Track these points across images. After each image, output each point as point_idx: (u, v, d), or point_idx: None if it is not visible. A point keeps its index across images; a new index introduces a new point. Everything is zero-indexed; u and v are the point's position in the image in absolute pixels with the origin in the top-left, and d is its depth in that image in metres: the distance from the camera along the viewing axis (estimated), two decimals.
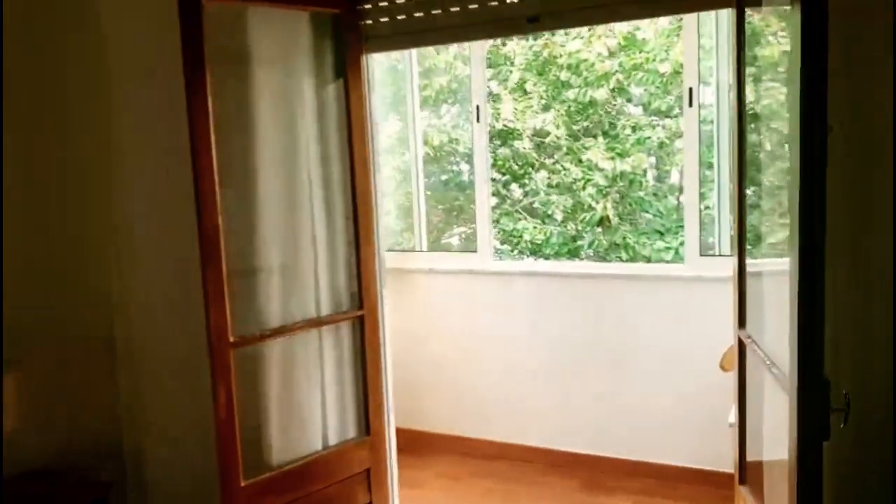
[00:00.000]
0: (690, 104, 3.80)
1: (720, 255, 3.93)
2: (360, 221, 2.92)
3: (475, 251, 4.28)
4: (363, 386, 2.92)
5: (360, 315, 2.87)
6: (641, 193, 6.12)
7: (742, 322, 2.41)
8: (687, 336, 3.83)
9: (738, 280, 2.44)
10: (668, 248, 5.87)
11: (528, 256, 6.75)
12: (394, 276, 4.50)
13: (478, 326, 4.29)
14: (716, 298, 3.81)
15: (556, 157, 6.83)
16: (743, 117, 2.34)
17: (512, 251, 6.60)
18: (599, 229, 6.19)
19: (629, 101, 6.81)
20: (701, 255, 3.82)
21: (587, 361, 4.06)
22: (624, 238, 6.00)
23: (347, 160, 2.92)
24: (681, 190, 6.78)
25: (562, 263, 4.32)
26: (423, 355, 4.43)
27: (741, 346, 2.40)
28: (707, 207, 4.56)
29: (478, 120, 4.21)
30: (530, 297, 4.15)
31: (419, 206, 4.55)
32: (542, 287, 4.14)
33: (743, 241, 2.40)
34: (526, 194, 7.00)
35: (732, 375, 3.11)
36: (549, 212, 6.58)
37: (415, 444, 4.43)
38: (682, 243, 5.99)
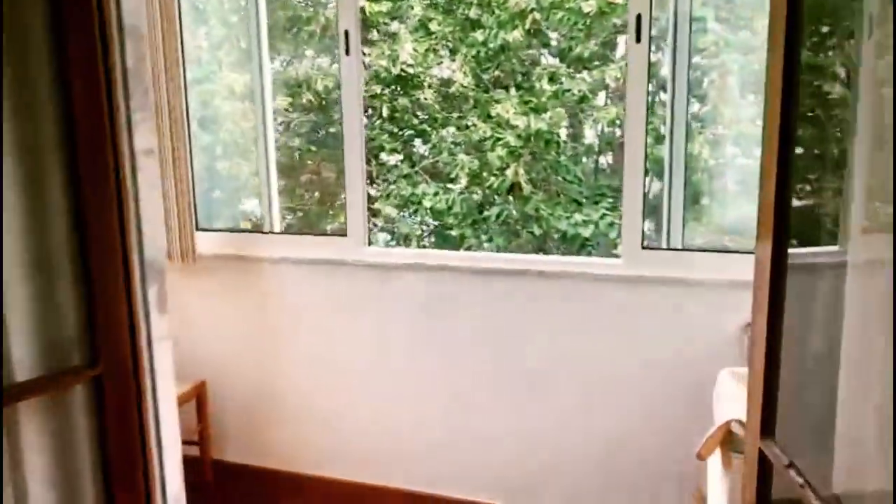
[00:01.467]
0: (638, 39, 2.62)
1: (669, 249, 2.81)
2: (94, 213, 1.59)
3: (345, 234, 3.04)
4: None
5: (95, 375, 1.58)
6: (562, 158, 4.98)
7: (768, 427, 1.24)
8: (623, 356, 2.74)
9: (761, 325, 1.29)
10: (588, 222, 4.78)
11: (423, 232, 5.54)
12: (234, 267, 3.20)
13: (344, 337, 3.07)
14: (663, 307, 2.71)
15: (462, 110, 5.60)
16: None
17: (395, 239, 5.37)
18: (510, 197, 5.05)
19: (546, 46, 5.61)
20: (643, 247, 2.71)
21: (489, 386, 2.92)
22: (537, 209, 4.87)
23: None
24: (599, 152, 5.69)
25: (458, 255, 3.09)
26: (270, 374, 3.19)
27: (762, 465, 1.25)
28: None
29: (347, 52, 2.93)
30: (415, 299, 2.96)
31: (268, 174, 3.24)
32: (432, 285, 2.95)
33: (782, 240, 1.22)
34: (426, 154, 5.76)
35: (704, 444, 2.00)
36: (454, 175, 5.38)
37: (258, 486, 3.22)
38: (602, 217, 4.91)
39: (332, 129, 5.71)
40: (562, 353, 2.83)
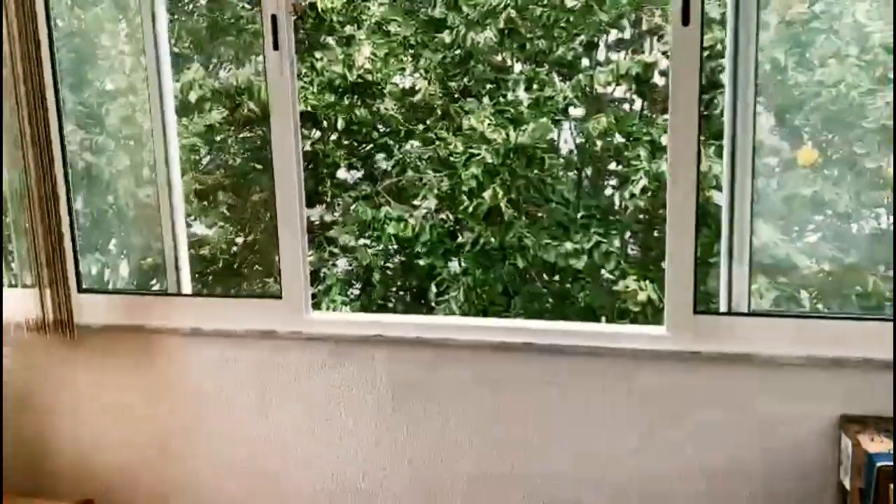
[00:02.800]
0: (686, 20, 1.79)
1: (731, 314, 1.97)
2: None
3: (279, 296, 2.15)
4: None
5: None
6: (547, 177, 4.11)
7: None
8: (668, 465, 1.91)
9: None
10: (579, 253, 3.93)
11: (385, 262, 4.64)
12: (129, 342, 2.28)
13: (277, 439, 2.18)
14: (724, 395, 1.87)
15: (428, 122, 4.73)
16: None
17: (353, 271, 4.45)
18: (485, 222, 4.19)
19: (522, 48, 4.78)
20: (696, 311, 1.88)
21: None
22: (520, 238, 4.02)
23: None
24: (581, 167, 4.87)
25: (435, 322, 2.20)
26: (177, 488, 2.28)
27: None
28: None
29: (275, 46, 2.05)
30: (376, 385, 2.09)
31: (171, 214, 2.32)
32: (399, 365, 2.08)
33: None
34: (389, 170, 4.87)
35: None
36: (422, 195, 4.50)
37: None
38: (596, 245, 4.07)
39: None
40: (581, 459, 1.97)
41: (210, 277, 4.68)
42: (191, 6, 4.76)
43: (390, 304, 4.54)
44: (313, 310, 2.17)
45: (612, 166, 4.83)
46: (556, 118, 4.35)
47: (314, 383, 2.13)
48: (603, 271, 4.16)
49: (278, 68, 2.05)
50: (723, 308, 2.03)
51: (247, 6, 4.64)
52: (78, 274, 2.28)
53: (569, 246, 3.86)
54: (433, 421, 2.07)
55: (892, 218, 2.04)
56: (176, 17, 4.47)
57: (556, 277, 4.11)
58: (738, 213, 1.99)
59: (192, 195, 4.12)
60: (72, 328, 2.21)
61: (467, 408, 2.05)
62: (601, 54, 4.80)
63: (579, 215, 4.24)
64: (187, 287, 2.34)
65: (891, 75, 2.20)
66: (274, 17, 2.03)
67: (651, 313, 3.80)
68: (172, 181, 2.27)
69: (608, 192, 4.89)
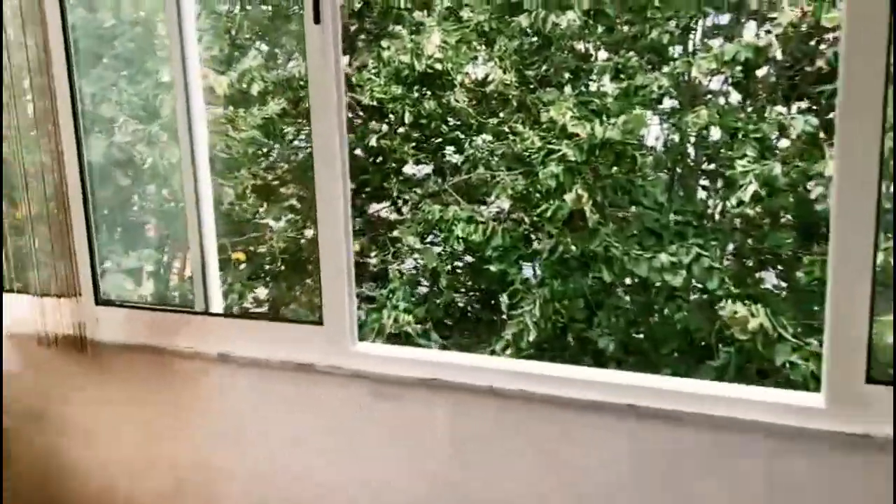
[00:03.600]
0: None
1: None
2: None
3: (320, 322, 1.74)
4: None
5: None
6: (638, 178, 3.57)
7: None
8: None
9: None
10: (676, 266, 3.38)
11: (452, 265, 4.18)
12: (147, 364, 1.92)
13: (308, 489, 1.78)
14: None
15: (502, 114, 4.26)
16: None
17: (417, 274, 3.98)
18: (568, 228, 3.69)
19: (610, 31, 4.24)
20: (869, 380, 1.34)
21: None
22: (605, 246, 3.50)
23: None
24: (674, 166, 4.28)
25: (505, 365, 1.70)
26: None
27: None
28: None
29: (316, 20, 1.63)
30: (433, 438, 1.65)
31: (199, 224, 1.92)
32: (463, 418, 1.64)
33: None
34: (459, 165, 4.43)
35: None
36: (494, 195, 4.04)
37: None
38: (696, 259, 3.50)
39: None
40: None
41: (269, 278, 4.36)
42: None
43: (456, 314, 4.10)
44: (357, 338, 1.74)
45: (708, 166, 4.25)
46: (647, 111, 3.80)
47: (354, 427, 1.72)
48: (696, 283, 3.58)
49: (319, 46, 1.62)
50: None
51: None
52: (96, 284, 1.92)
53: (664, 258, 3.31)
54: (494, 490, 1.61)
55: None
56: (237, 6, 4.15)
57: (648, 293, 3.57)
58: None
59: (249, 190, 3.78)
60: (85, 344, 1.87)
61: (542, 478, 1.58)
62: (693, 40, 4.22)
63: (672, 220, 3.70)
64: (217, 304, 1.96)
65: None
66: None
67: (762, 344, 3.23)
68: (199, 182, 1.88)
69: (703, 195, 4.32)
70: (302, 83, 4.20)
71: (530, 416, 1.59)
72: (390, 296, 3.69)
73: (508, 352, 3.36)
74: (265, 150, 3.89)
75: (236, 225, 3.84)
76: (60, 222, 1.84)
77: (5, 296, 2.03)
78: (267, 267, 4.18)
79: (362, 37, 4.48)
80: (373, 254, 3.98)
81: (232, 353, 1.80)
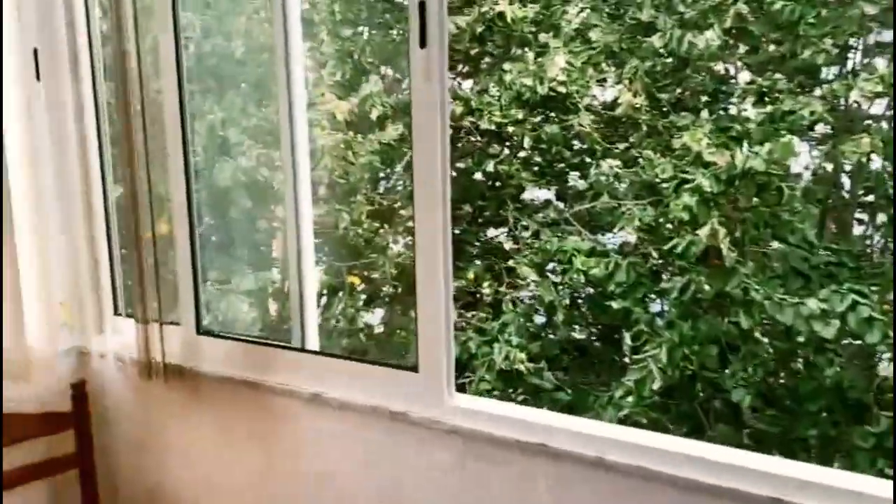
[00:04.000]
0: None
1: None
2: None
3: (415, 369, 1.58)
4: None
5: None
6: (784, 212, 3.17)
7: None
8: None
9: None
10: (828, 314, 2.94)
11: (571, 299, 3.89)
12: (246, 399, 1.84)
13: None
14: None
15: (631, 139, 3.99)
16: None
17: (533, 307, 3.71)
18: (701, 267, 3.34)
19: (754, 51, 3.86)
20: None
21: None
22: (744, 287, 3.12)
23: None
24: (828, 199, 3.80)
25: (621, 434, 1.44)
26: None
27: None
28: None
29: (422, 44, 1.48)
30: None
31: (299, 254, 1.81)
32: (562, 492, 1.42)
33: None
34: (580, 195, 4.18)
35: None
36: (619, 226, 3.76)
37: None
38: (852, 307, 3.03)
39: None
40: None
41: (385, 301, 4.29)
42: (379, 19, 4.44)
43: (573, 351, 3.83)
44: (454, 388, 1.56)
45: (868, 199, 3.76)
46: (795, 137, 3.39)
47: (445, 487, 1.53)
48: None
49: (424, 71, 1.47)
50: None
51: None
52: (198, 312, 1.87)
53: (812, 305, 2.89)
54: None
55: None
56: (362, 30, 4.15)
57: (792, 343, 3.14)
58: None
59: (364, 215, 3.73)
60: (182, 374, 1.82)
61: None
62: (853, 60, 3.78)
63: (823, 261, 3.25)
64: (313, 340, 1.84)
65: None
66: (422, 5, 1.46)
67: None
68: (301, 210, 1.79)
69: (860, 232, 3.81)
70: None
71: (648, 498, 1.34)
72: (503, 329, 3.49)
73: (630, 399, 3.06)
74: (383, 174, 3.84)
75: (352, 249, 3.80)
76: (163, 250, 1.79)
77: (115, 319, 2.03)
78: (382, 291, 4.11)
79: (486, 60, 4.35)
80: (486, 283, 3.79)
81: (324, 394, 1.68)
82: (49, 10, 1.83)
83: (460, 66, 4.37)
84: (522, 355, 3.35)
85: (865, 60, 3.66)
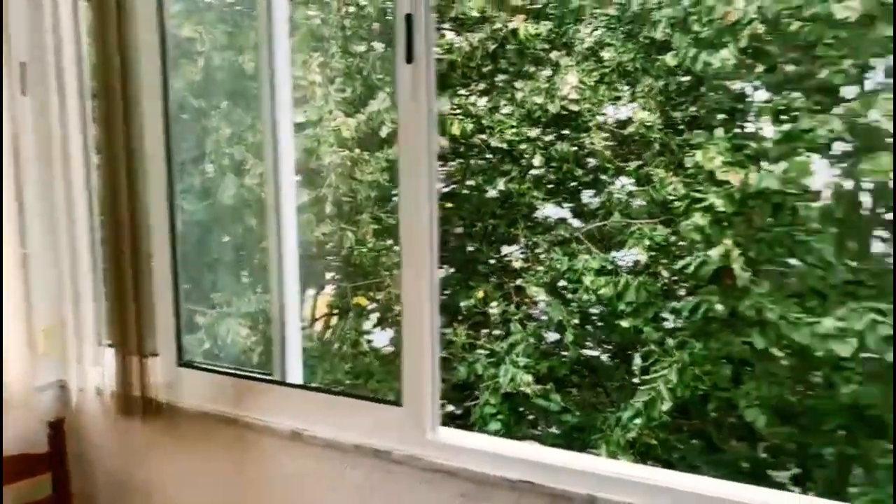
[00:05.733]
0: None
1: None
2: None
3: (398, 403, 1.45)
4: None
5: None
6: (800, 232, 2.99)
7: None
8: None
9: None
10: (845, 332, 2.76)
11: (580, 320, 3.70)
12: (219, 432, 1.71)
13: None
14: None
15: (643, 157, 3.84)
16: None
17: (541, 327, 3.53)
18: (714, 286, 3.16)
19: (771, 70, 3.69)
20: None
21: None
22: (758, 308, 2.94)
23: None
24: (849, 219, 3.60)
25: (616, 468, 1.29)
26: None
27: None
28: None
29: (409, 59, 1.36)
30: None
31: (280, 280, 1.69)
32: None
33: None
34: (593, 214, 4.03)
35: None
36: (629, 246, 3.60)
37: None
38: (871, 326, 2.85)
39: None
40: None
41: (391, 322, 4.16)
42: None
43: (583, 371, 3.67)
44: (438, 423, 1.43)
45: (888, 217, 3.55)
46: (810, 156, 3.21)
47: None
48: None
49: (410, 87, 1.36)
50: None
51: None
52: (179, 342, 1.76)
53: (828, 324, 2.71)
54: None
55: None
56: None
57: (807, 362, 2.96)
58: None
59: (370, 234, 3.61)
60: (160, 407, 1.70)
61: None
62: (871, 79, 3.58)
63: (841, 279, 3.06)
64: (296, 373, 1.72)
65: None
66: (409, 18, 1.35)
67: None
68: (283, 231, 1.67)
69: (880, 250, 3.60)
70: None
71: None
72: (511, 349, 3.34)
73: (638, 421, 2.90)
74: (389, 193, 3.73)
75: (359, 269, 3.68)
76: (141, 279, 1.67)
77: (98, 349, 1.88)
78: (390, 312, 3.98)
79: (500, 77, 4.23)
80: (494, 302, 3.65)
81: (305, 432, 1.55)
82: (38, 24, 1.74)
83: (473, 84, 4.26)
84: (528, 377, 3.19)
85: (887, 80, 3.47)
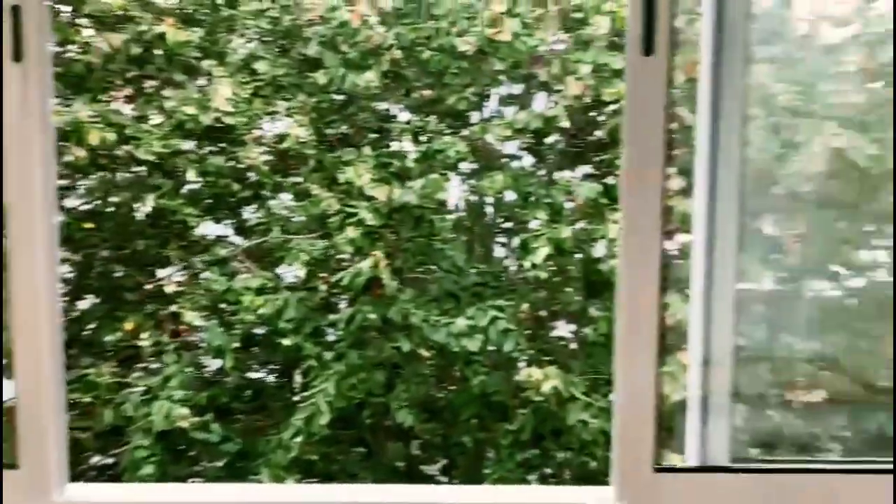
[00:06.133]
0: (648, 50, 1.11)
1: (704, 470, 1.23)
2: None
3: (14, 465, 1.23)
4: None
5: None
6: (437, 242, 3.35)
7: None
8: None
9: None
10: (474, 329, 3.17)
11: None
12: None
13: None
14: None
15: (301, 173, 3.90)
16: None
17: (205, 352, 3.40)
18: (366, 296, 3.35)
19: (408, 94, 4.07)
20: (657, 468, 1.15)
21: None
22: (404, 313, 3.21)
23: None
24: (473, 227, 4.15)
25: (268, 493, 1.30)
26: None
27: None
28: None
29: (17, 58, 1.16)
30: None
31: None
32: None
33: None
34: (252, 230, 3.97)
35: None
36: (289, 263, 3.62)
37: None
38: (492, 321, 3.31)
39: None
40: None
41: None
42: None
43: (247, 397, 3.59)
44: (66, 479, 1.26)
45: (506, 226, 4.19)
46: (445, 174, 3.64)
47: None
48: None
49: (21, 89, 1.17)
50: (693, 460, 1.32)
51: None
52: None
53: (461, 323, 3.09)
54: None
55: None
56: None
57: (447, 359, 3.33)
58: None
59: None
60: None
61: None
62: (488, 109, 4.18)
63: (470, 282, 3.52)
64: None
65: None
66: (16, 10, 1.16)
67: (556, 403, 3.12)
68: None
69: (500, 254, 4.23)
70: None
71: None
72: (164, 384, 3.10)
73: (299, 439, 2.93)
74: None
75: None
76: None
77: None
78: None
79: (149, 84, 3.89)
80: (146, 333, 3.35)
81: None
82: None
83: (116, 90, 3.87)
84: (185, 411, 3.00)
85: (500, 108, 4.06)
